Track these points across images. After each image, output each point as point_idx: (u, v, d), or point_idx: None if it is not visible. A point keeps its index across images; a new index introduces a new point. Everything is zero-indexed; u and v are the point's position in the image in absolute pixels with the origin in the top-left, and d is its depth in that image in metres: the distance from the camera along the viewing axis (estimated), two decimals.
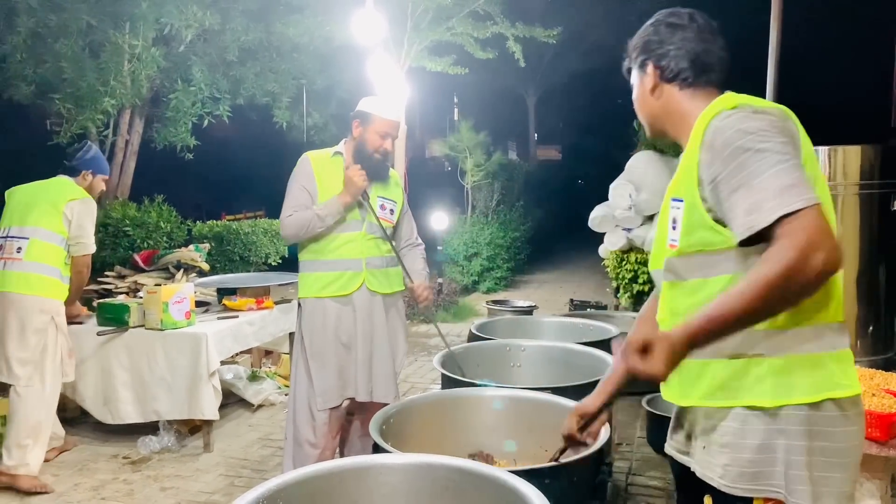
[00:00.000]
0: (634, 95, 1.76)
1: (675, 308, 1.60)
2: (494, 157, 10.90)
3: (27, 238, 3.90)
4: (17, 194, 4.14)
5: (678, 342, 1.35)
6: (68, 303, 4.07)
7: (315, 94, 9.39)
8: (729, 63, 1.67)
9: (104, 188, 4.28)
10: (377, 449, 2.02)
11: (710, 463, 1.56)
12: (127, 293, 5.09)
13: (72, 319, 4.22)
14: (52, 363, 3.91)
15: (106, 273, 5.47)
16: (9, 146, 13.73)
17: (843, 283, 1.51)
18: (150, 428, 4.35)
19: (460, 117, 12.05)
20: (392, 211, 3.46)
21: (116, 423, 4.32)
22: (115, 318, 4.30)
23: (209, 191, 14.20)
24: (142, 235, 7.53)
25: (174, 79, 8.16)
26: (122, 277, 5.35)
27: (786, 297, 1.33)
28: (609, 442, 2.05)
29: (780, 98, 3.06)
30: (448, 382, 2.86)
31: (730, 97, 1.58)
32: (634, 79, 1.76)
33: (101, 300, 4.61)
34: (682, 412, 1.68)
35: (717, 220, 1.48)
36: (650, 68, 1.69)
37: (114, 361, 4.28)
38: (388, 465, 1.84)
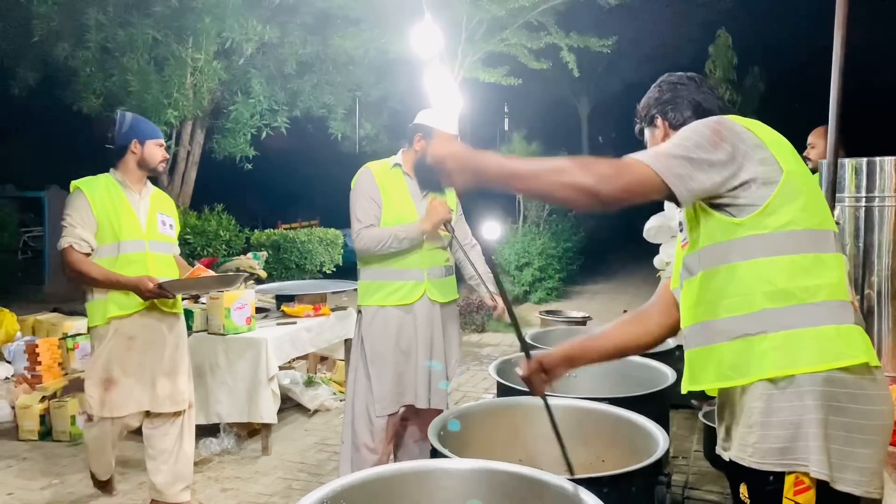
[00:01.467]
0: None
1: (700, 299, 1.70)
2: None
3: None
4: None
5: (464, 153, 1.66)
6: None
7: (368, 105, 9.54)
8: (728, 110, 1.87)
9: (165, 156, 3.54)
10: (436, 454, 2.04)
11: (742, 445, 1.64)
12: (188, 299, 5.24)
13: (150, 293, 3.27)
14: None
15: None
16: (79, 158, 14.27)
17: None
18: (211, 430, 4.47)
19: (512, 127, 12.05)
20: (448, 221, 3.50)
21: None
22: None
23: (266, 200, 14.52)
24: (202, 243, 7.75)
25: (234, 91, 8.40)
26: None
27: (571, 192, 1.58)
28: (668, 453, 2.04)
29: (844, 110, 3.00)
30: (504, 391, 2.88)
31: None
32: (647, 136, 1.98)
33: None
34: (721, 410, 1.76)
35: (712, 206, 1.65)
36: (659, 121, 1.93)
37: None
38: (447, 470, 1.86)
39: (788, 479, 1.57)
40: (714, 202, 1.64)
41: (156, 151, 3.50)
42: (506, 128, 23.30)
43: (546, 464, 2.41)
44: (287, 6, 8.53)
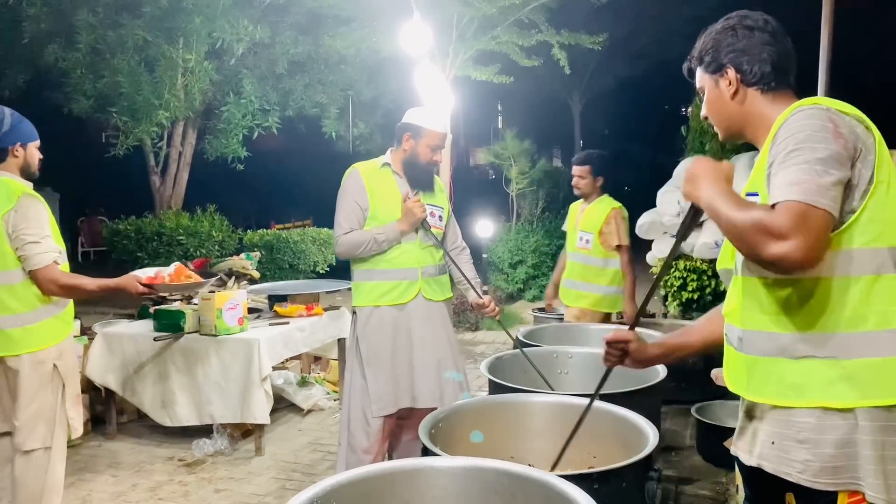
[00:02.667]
0: (708, 98, 1.74)
1: (767, 306, 1.57)
2: (539, 165, 10.89)
3: None
4: None
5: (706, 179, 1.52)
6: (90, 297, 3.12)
7: (361, 104, 9.54)
8: (799, 65, 1.66)
9: (40, 156, 3.22)
10: (427, 452, 2.05)
11: (785, 459, 1.55)
12: (181, 300, 5.24)
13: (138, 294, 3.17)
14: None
15: None
16: (70, 159, 14.22)
17: None
18: (204, 431, 4.46)
19: (505, 125, 12.08)
20: (441, 217, 3.51)
21: (174, 425, 4.45)
22: (171, 324, 4.43)
23: (259, 200, 14.49)
24: (194, 244, 7.74)
25: (226, 91, 8.39)
26: None
27: (739, 246, 1.46)
28: (658, 448, 2.05)
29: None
30: (496, 388, 2.88)
31: (811, 98, 1.56)
32: (705, 82, 1.73)
33: (157, 307, 4.76)
34: (750, 412, 1.66)
35: None
36: (731, 72, 1.66)
37: (170, 366, 4.42)
38: (438, 468, 1.87)
39: (842, 495, 1.49)
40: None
41: (35, 155, 3.20)
42: (499, 125, 23.31)
43: (537, 461, 2.42)
44: (278, 6, 8.52)
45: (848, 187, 1.44)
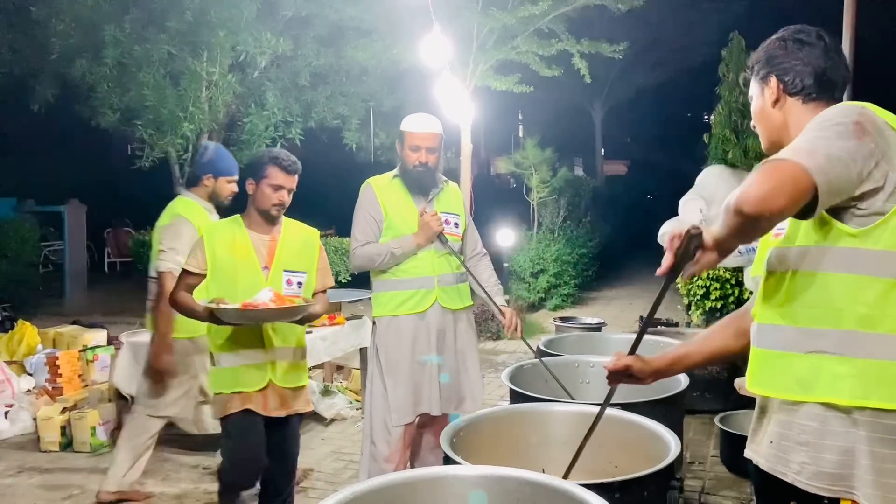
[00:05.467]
0: (754, 107, 1.79)
1: (782, 299, 1.59)
2: (560, 174, 10.90)
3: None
4: None
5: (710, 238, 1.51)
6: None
7: (382, 115, 9.60)
8: (851, 81, 1.70)
9: (234, 190, 3.79)
10: (448, 461, 2.06)
11: (782, 458, 1.57)
12: None
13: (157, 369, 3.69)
14: None
15: None
16: (96, 171, 14.45)
17: None
18: None
19: (525, 134, 12.08)
20: (457, 224, 3.52)
21: (201, 433, 4.48)
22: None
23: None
24: None
25: (249, 104, 8.48)
26: None
27: (736, 221, 1.42)
28: (680, 458, 2.04)
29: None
30: (517, 398, 2.89)
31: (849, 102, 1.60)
32: (754, 90, 1.78)
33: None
34: (761, 412, 1.68)
35: (831, 211, 1.50)
36: (773, 81, 1.71)
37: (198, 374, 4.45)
38: (459, 477, 1.88)
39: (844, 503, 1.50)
40: (843, 206, 1.49)
41: (226, 188, 3.80)
42: (520, 134, 23.31)
43: (558, 470, 2.42)
44: (300, 19, 8.61)
45: (873, 189, 1.45)
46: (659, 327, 6.99)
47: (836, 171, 1.40)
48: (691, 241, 1.54)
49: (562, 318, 7.57)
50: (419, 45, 7.35)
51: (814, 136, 1.47)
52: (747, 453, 1.72)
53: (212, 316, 2.81)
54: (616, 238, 13.71)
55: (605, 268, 12.49)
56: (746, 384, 1.69)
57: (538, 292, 10.15)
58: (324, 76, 9.12)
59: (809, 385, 1.52)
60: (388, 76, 9.30)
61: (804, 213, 1.44)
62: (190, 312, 2.97)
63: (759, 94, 1.75)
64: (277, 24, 8.42)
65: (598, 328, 6.92)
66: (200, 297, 2.97)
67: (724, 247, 1.51)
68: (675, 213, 7.09)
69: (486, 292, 3.53)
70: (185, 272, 3.00)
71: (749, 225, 1.41)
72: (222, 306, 2.75)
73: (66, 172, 14.09)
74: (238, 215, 3.09)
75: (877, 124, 1.48)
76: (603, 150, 23.07)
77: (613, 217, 14.10)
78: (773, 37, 1.75)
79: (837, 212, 1.49)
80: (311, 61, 8.72)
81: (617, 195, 16.32)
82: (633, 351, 1.98)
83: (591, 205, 12.67)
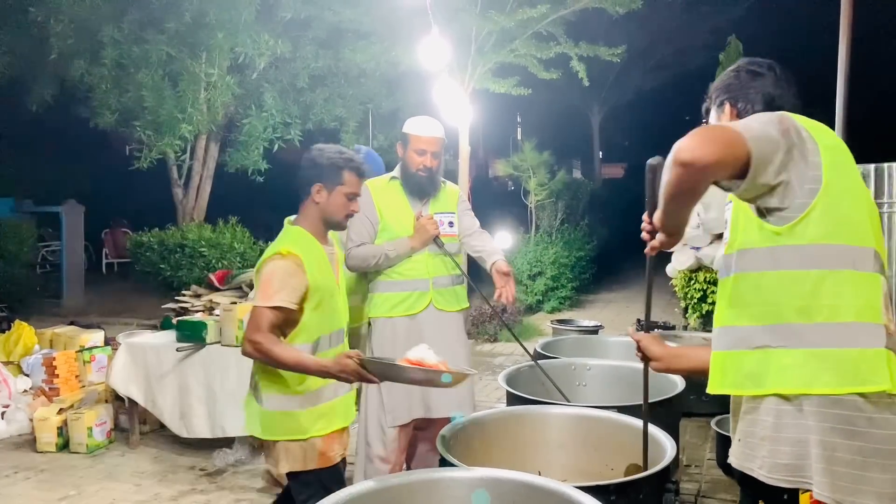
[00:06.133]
0: None
1: (729, 301, 1.69)
2: (558, 176, 10.90)
3: None
4: None
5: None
6: None
7: (381, 117, 9.61)
8: (800, 110, 1.79)
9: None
10: (444, 463, 2.06)
11: (749, 455, 1.66)
12: (203, 311, 5.30)
13: None
14: None
15: (183, 292, 5.72)
16: (95, 172, 14.44)
17: None
18: (225, 441, 4.50)
19: (524, 137, 12.10)
20: (451, 223, 3.51)
21: (190, 437, 4.48)
22: (193, 335, 4.48)
23: (280, 212, 14.56)
24: (216, 256, 7.80)
25: (247, 105, 8.49)
26: (197, 296, 5.57)
27: (674, 174, 1.51)
28: (676, 461, 2.05)
29: (850, 115, 3.01)
30: (514, 400, 2.90)
31: None
32: (712, 117, 1.93)
33: (179, 318, 4.82)
34: (734, 415, 1.76)
35: (759, 212, 1.62)
36: (728, 107, 1.86)
37: (191, 377, 4.46)
38: (456, 479, 1.88)
39: (804, 499, 1.56)
40: (759, 205, 1.61)
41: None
42: (518, 137, 23.33)
43: (554, 472, 2.43)
44: (299, 21, 8.62)
45: (786, 182, 1.56)
46: (656, 330, 7.00)
47: (764, 147, 1.52)
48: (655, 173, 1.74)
49: (559, 321, 7.57)
50: (418, 48, 7.36)
51: (748, 121, 1.62)
52: (730, 458, 1.77)
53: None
54: (613, 241, 13.72)
55: (603, 271, 12.49)
56: (707, 387, 1.77)
57: (536, 295, 10.15)
58: (322, 78, 9.13)
59: (759, 379, 1.61)
60: (386, 78, 9.32)
61: (736, 181, 1.54)
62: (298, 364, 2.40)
63: (716, 119, 1.90)
64: (276, 25, 8.43)
65: (595, 331, 6.93)
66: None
67: (668, 223, 1.66)
68: None
69: (484, 251, 3.44)
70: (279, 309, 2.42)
71: (684, 176, 1.49)
72: (394, 362, 2.37)
73: (64, 173, 14.08)
74: (298, 227, 2.62)
75: (797, 126, 1.61)
76: (601, 153, 23.08)
77: (611, 220, 14.11)
78: (729, 68, 1.91)
79: (763, 213, 1.61)
80: (310, 63, 8.73)
81: (615, 198, 16.32)
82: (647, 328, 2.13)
83: (588, 208, 12.68)
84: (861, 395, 1.52)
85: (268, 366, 2.47)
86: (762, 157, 1.51)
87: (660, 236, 1.69)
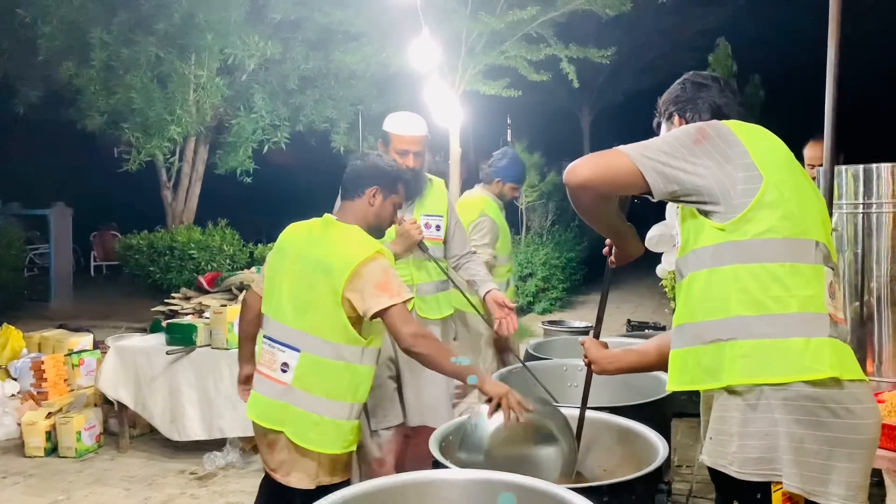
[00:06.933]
0: None
1: (684, 301, 1.77)
2: (549, 178, 10.93)
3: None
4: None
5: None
6: None
7: (371, 119, 9.60)
8: (745, 117, 1.87)
9: (515, 195, 3.79)
10: (437, 465, 2.06)
11: (721, 452, 1.68)
12: (192, 314, 5.27)
13: None
14: None
15: (173, 295, 5.68)
16: (83, 174, 14.35)
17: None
18: (216, 444, 4.48)
19: (514, 139, 12.11)
20: (438, 227, 3.38)
21: (183, 439, 4.46)
22: (183, 338, 4.46)
23: (269, 214, 14.56)
24: (206, 258, 7.78)
25: (237, 107, 8.46)
26: (187, 299, 5.54)
27: (580, 205, 1.77)
28: (668, 461, 2.05)
29: (839, 117, 3.03)
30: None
31: None
32: (663, 131, 1.99)
33: (169, 321, 4.79)
34: (705, 414, 1.79)
35: (700, 212, 1.70)
36: (676, 119, 1.95)
37: (181, 380, 4.44)
38: (448, 481, 1.88)
39: (776, 497, 1.60)
40: (699, 207, 1.68)
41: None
42: (508, 138, 23.33)
43: (547, 474, 2.42)
44: (289, 22, 8.60)
45: (713, 186, 1.64)
46: (646, 331, 7.01)
47: (661, 161, 1.64)
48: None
49: (550, 322, 7.57)
50: (408, 49, 7.36)
51: (660, 138, 1.73)
52: (701, 457, 1.81)
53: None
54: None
55: (594, 272, 12.49)
56: (667, 385, 1.84)
57: (526, 296, 10.17)
58: (312, 80, 9.11)
59: (715, 372, 1.66)
60: (376, 80, 9.30)
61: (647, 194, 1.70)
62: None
63: (666, 131, 1.95)
64: (266, 27, 8.41)
65: (586, 332, 6.91)
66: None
67: (605, 235, 2.00)
68: (663, 218, 7.13)
69: (466, 297, 3.34)
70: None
71: (571, 194, 1.72)
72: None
73: (52, 175, 13.99)
74: (358, 227, 2.59)
75: (722, 133, 1.68)
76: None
77: None
78: (676, 82, 2.00)
79: (707, 214, 1.67)
80: (300, 65, 8.71)
81: None
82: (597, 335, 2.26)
83: None
84: (813, 384, 1.56)
85: (357, 368, 2.45)
86: (663, 174, 1.63)
87: (617, 254, 1.95)
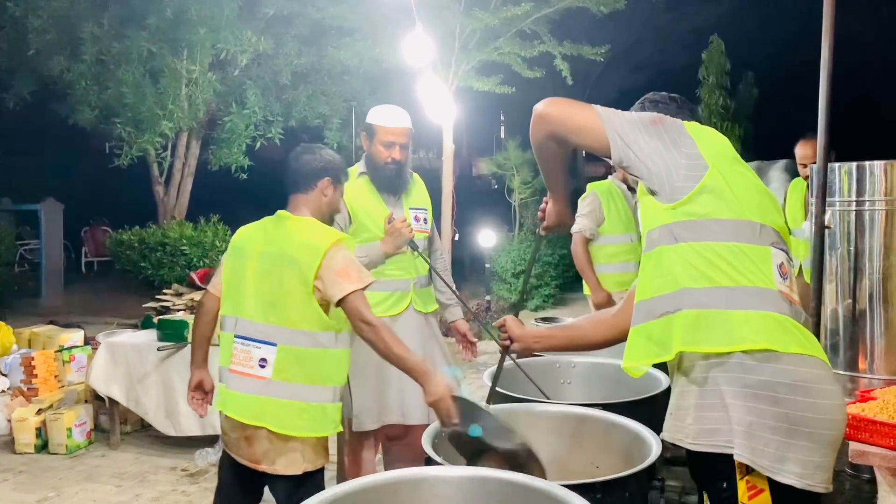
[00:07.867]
0: None
1: (641, 280, 1.84)
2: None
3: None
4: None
5: None
6: None
7: (364, 115, 9.55)
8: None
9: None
10: (430, 462, 2.05)
11: (678, 426, 1.75)
12: (184, 310, 5.25)
13: None
14: None
15: (164, 291, 5.66)
16: (74, 169, 14.27)
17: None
18: (207, 441, 4.46)
19: (507, 135, 12.11)
20: (425, 220, 3.38)
21: (178, 435, 4.44)
22: (174, 334, 4.44)
23: (262, 210, 14.48)
24: (198, 254, 7.75)
25: (229, 102, 8.43)
26: (179, 295, 5.52)
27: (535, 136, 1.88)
28: (661, 458, 2.05)
29: (833, 114, 3.03)
30: (497, 398, 2.88)
31: None
32: None
33: (160, 317, 4.77)
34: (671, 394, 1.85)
35: (650, 192, 1.78)
36: None
37: (174, 375, 4.42)
38: (441, 478, 1.87)
39: (741, 485, 1.64)
40: (646, 184, 1.78)
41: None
42: (502, 135, 23.33)
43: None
44: (281, 18, 8.57)
45: (660, 169, 1.74)
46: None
47: (624, 127, 1.76)
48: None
49: (543, 319, 7.56)
50: (401, 45, 7.34)
51: (622, 112, 1.85)
52: (663, 434, 1.87)
53: None
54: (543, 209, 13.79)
55: None
56: (623, 361, 1.88)
57: (520, 293, 10.17)
58: (305, 75, 9.09)
59: (666, 344, 1.73)
60: (370, 76, 9.28)
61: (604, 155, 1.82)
62: None
63: None
64: (258, 22, 8.37)
65: None
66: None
67: (546, 181, 2.06)
68: None
69: (455, 293, 3.43)
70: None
71: (533, 123, 1.84)
72: None
73: (43, 170, 13.89)
74: (314, 219, 2.67)
75: (676, 125, 1.79)
76: (584, 152, 23.14)
77: None
78: (635, 104, 2.07)
79: (654, 193, 1.76)
80: (293, 60, 8.69)
81: None
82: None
83: (572, 206, 12.71)
84: (765, 360, 1.61)
85: (325, 352, 2.49)
86: (622, 136, 1.75)
87: (549, 210, 2.06)
